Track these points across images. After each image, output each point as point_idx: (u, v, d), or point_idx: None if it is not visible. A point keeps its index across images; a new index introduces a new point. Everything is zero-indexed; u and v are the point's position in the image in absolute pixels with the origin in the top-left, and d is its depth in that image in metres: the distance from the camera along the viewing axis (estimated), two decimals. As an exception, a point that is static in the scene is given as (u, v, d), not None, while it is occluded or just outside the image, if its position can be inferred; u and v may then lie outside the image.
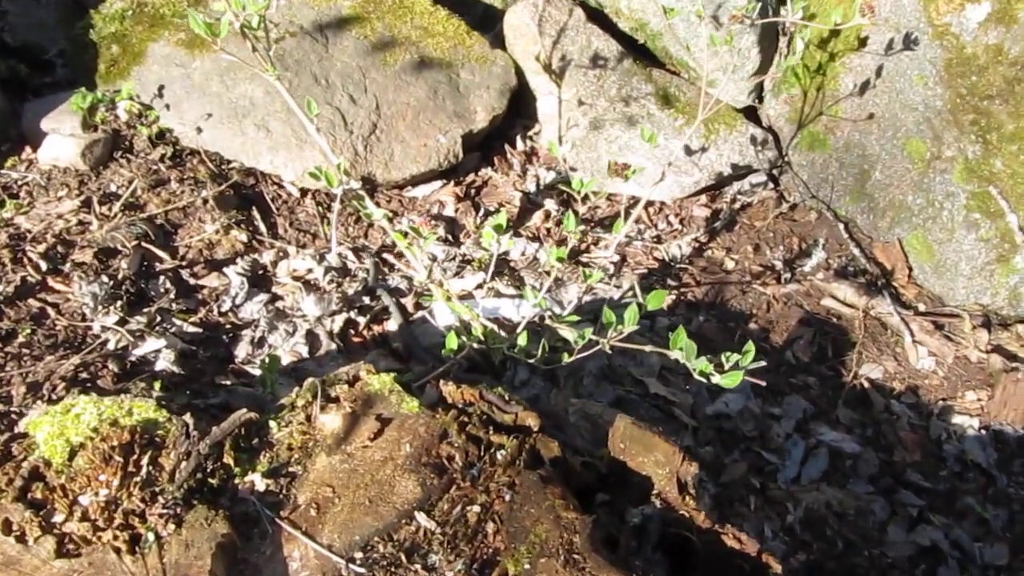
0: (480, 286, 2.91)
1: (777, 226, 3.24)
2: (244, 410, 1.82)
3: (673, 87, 3.28)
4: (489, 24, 3.74)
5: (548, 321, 2.44)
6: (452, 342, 2.35)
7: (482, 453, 1.75)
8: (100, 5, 3.25)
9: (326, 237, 3.02)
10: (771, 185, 3.38)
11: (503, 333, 2.52)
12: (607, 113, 3.25)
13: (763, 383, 1.86)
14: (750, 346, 1.80)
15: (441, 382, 1.94)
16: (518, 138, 3.48)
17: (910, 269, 3.00)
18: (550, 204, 3.23)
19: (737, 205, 3.31)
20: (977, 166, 2.73)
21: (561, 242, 3.12)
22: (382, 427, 1.79)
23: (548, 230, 3.18)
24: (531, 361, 2.23)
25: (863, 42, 2.92)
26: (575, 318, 2.38)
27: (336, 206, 2.41)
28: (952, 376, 2.78)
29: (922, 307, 2.96)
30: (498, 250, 2.66)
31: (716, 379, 1.79)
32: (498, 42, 3.49)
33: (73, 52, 3.27)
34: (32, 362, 2.38)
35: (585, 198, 3.35)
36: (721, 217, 3.27)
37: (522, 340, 2.31)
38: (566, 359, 2.17)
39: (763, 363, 1.78)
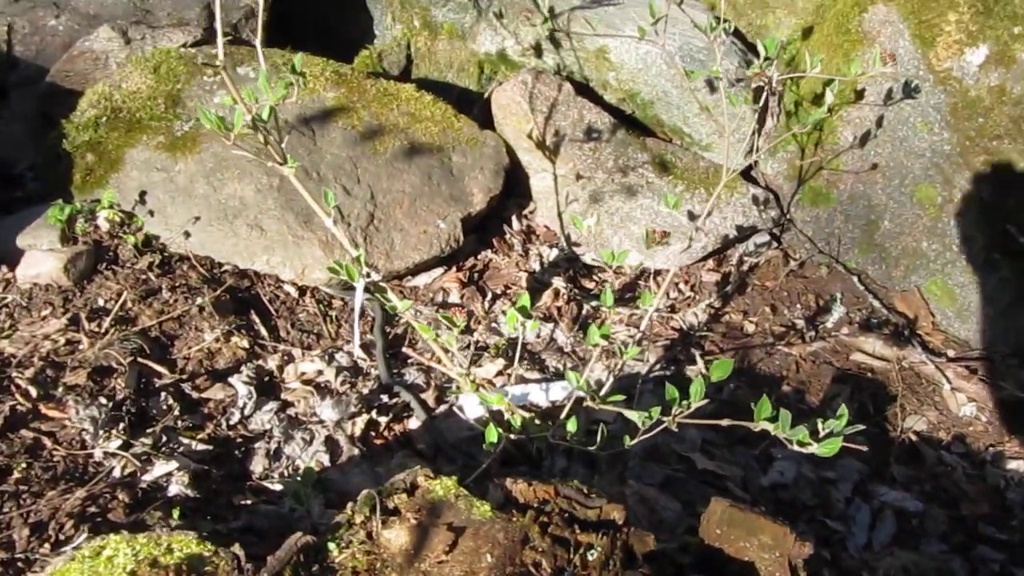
0: (501, 373, 2.76)
1: (790, 284, 3.17)
2: (299, 534, 1.63)
3: (669, 154, 3.24)
4: (466, 106, 3.68)
5: (591, 403, 2.30)
6: (492, 435, 2.20)
7: (571, 555, 1.59)
8: (71, 114, 3.10)
9: (330, 335, 2.86)
10: (775, 244, 3.33)
11: (537, 420, 2.38)
12: (606, 185, 3.18)
13: (864, 448, 1.74)
14: (843, 410, 1.69)
15: (509, 480, 1.78)
16: (513, 217, 3.39)
17: (933, 316, 2.95)
18: (558, 282, 3.12)
19: (745, 267, 3.25)
20: (993, 206, 2.71)
21: (596, 320, 3.01)
22: (456, 537, 1.62)
23: (559, 309, 3.06)
24: (558, 443, 2.08)
25: (860, 94, 2.92)
26: (619, 397, 2.24)
27: (359, 299, 2.26)
28: (995, 420, 2.70)
29: (951, 353, 2.90)
30: (524, 334, 2.53)
31: (813, 448, 1.66)
32: (482, 122, 3.43)
33: (45, 164, 3.10)
34: (32, 500, 2.15)
35: (592, 271, 3.26)
36: (731, 280, 3.20)
37: (571, 426, 2.17)
38: (628, 442, 2.03)
39: (862, 427, 1.67)
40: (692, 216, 3.17)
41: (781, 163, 3.23)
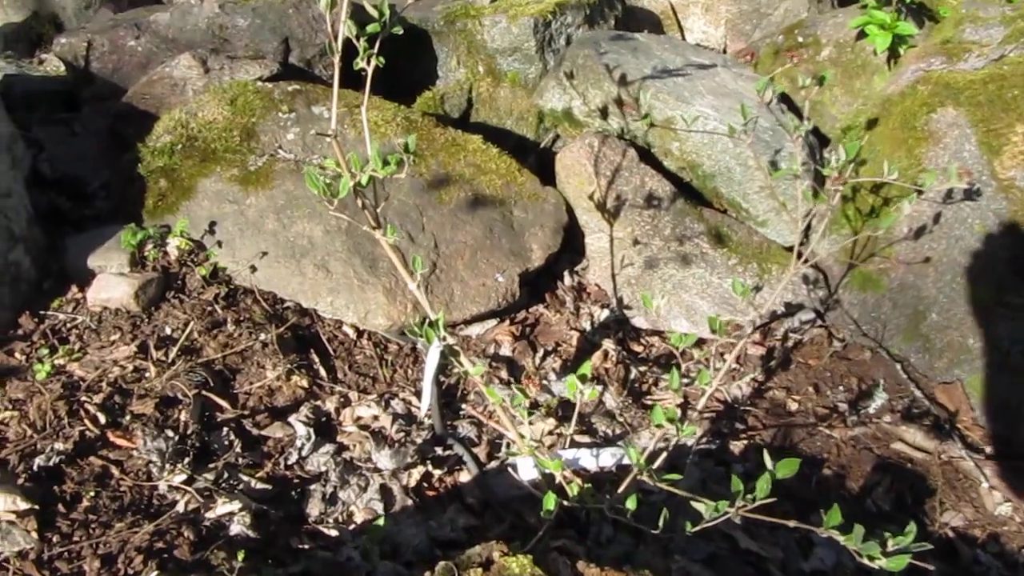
0: (551, 432, 2.82)
1: (833, 365, 3.24)
2: (383, 602, 1.69)
3: (725, 227, 3.31)
4: (522, 154, 3.76)
5: (646, 479, 2.36)
6: (549, 503, 2.25)
7: (645, 647, 1.65)
8: (147, 137, 3.18)
9: (386, 380, 2.92)
10: (820, 322, 3.39)
11: (581, 482, 2.43)
12: (661, 252, 3.25)
13: (931, 568, 1.80)
14: (912, 527, 1.74)
15: (581, 564, 1.83)
16: (566, 273, 3.45)
17: (973, 410, 3.01)
18: (608, 344, 3.18)
19: (790, 343, 3.31)
20: (1044, 315, 2.78)
21: (643, 385, 3.07)
22: (534, 619, 1.68)
23: (607, 371, 3.12)
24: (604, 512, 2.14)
25: (919, 189, 2.99)
26: (675, 476, 2.30)
27: (433, 362, 2.32)
28: (1030, 523, 2.76)
29: (989, 450, 2.96)
30: (581, 400, 2.59)
31: (881, 563, 1.72)
32: (539, 173, 3.50)
33: (117, 185, 3.17)
34: (101, 530, 2.20)
35: (640, 334, 3.33)
36: (775, 356, 3.26)
37: (631, 504, 2.22)
38: (690, 528, 2.09)
39: (929, 546, 1.73)
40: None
41: (833, 245, 3.30)
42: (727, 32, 4.86)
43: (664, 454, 2.85)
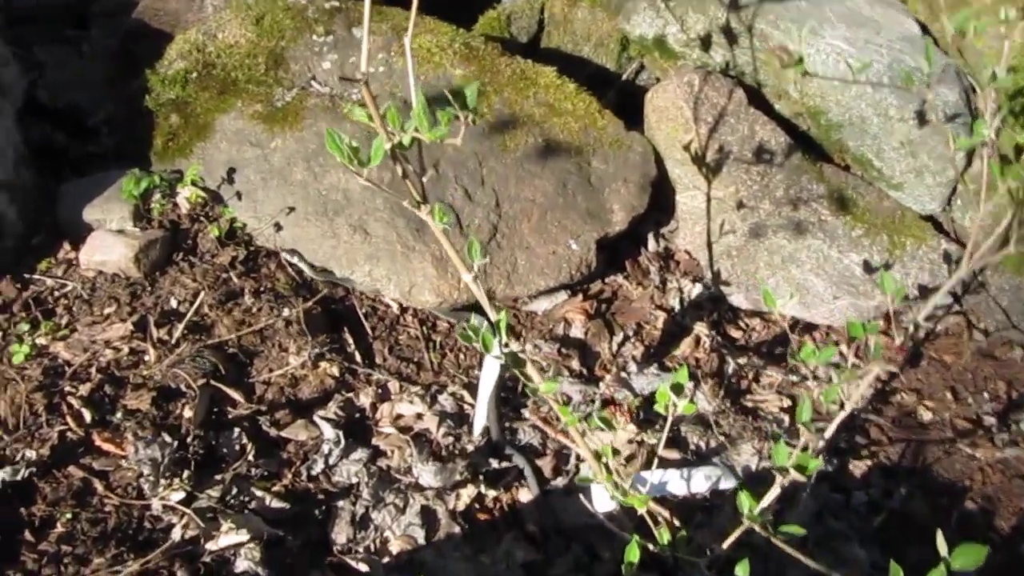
0: (632, 441, 2.32)
1: (975, 364, 2.66)
2: None
3: (850, 189, 2.70)
4: (599, 87, 3.16)
5: (763, 532, 1.85)
6: (633, 554, 1.76)
7: None
8: (157, 63, 2.66)
9: (432, 367, 2.43)
10: (956, 306, 2.80)
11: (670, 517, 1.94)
12: (770, 218, 2.67)
13: None
14: None
15: None
16: (650, 236, 2.89)
17: None
18: (700, 328, 2.64)
19: (921, 334, 2.73)
20: None
21: (742, 380, 2.53)
22: None
23: (699, 361, 2.59)
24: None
25: (1111, 152, 2.35)
26: (799, 531, 1.78)
27: (492, 376, 1.81)
28: None
29: None
30: (675, 414, 2.06)
31: None
32: (619, 111, 2.91)
33: (123, 120, 2.67)
34: (76, 565, 1.77)
35: (739, 315, 2.78)
36: (904, 349, 2.69)
37: (742, 571, 1.72)
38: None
39: None
40: (868, 268, 2.65)
41: (983, 217, 2.68)
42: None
43: (749, 462, 2.35)
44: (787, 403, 2.51)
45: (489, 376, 1.81)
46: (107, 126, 2.71)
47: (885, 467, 2.40)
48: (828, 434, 2.00)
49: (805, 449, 1.77)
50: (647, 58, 3.14)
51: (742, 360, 2.60)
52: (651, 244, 2.89)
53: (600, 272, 2.75)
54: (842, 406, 1.99)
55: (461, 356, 2.48)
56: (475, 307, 2.51)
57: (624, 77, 3.34)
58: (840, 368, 2.08)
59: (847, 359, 2.72)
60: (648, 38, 2.92)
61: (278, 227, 2.46)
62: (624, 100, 3.22)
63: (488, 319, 1.78)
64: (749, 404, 2.50)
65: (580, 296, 2.68)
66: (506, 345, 1.79)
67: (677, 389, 1.93)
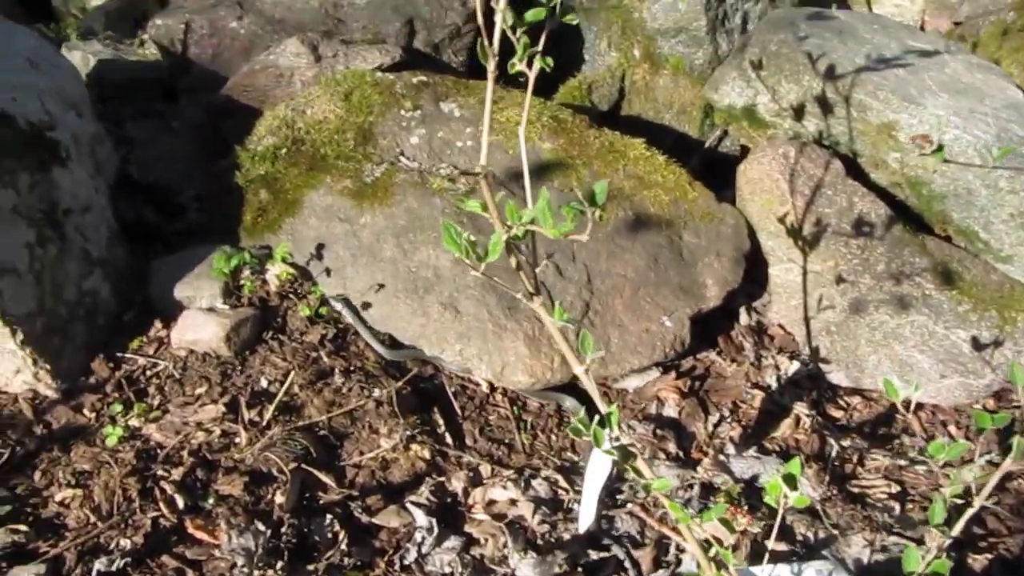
0: (735, 530, 2.20)
1: (1098, 448, 2.49)
2: None
3: (955, 262, 2.59)
4: (681, 155, 3.10)
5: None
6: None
7: None
8: (247, 139, 2.68)
9: (524, 449, 2.35)
10: (1071, 384, 2.64)
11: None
12: (871, 293, 2.56)
13: None
14: None
15: None
16: (742, 310, 2.80)
17: None
18: (800, 408, 2.53)
19: (1036, 413, 2.58)
20: None
21: (847, 465, 2.41)
22: None
23: (798, 442, 2.48)
24: None
25: None
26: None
27: (601, 472, 1.72)
28: None
29: None
30: (785, 507, 1.96)
31: None
32: (704, 179, 2.85)
33: (212, 196, 2.69)
34: (169, 668, 1.72)
35: (838, 393, 2.66)
36: (1015, 428, 2.54)
37: None
38: None
39: None
40: (977, 344, 2.53)
41: (1101, 289, 2.55)
42: (926, 5, 4.05)
43: (861, 554, 2.22)
44: (895, 489, 2.38)
45: (598, 471, 1.73)
46: (196, 202, 2.73)
47: (1005, 560, 2.24)
48: (955, 532, 1.88)
49: (937, 555, 1.65)
50: (733, 126, 3.08)
51: (845, 442, 2.48)
52: (743, 318, 2.79)
53: (691, 348, 2.66)
54: (969, 502, 1.86)
55: (553, 438, 2.41)
56: (564, 387, 2.44)
57: (707, 144, 3.29)
58: (951, 448, 1.96)
59: (956, 440, 2.59)
60: (736, 107, 2.87)
61: (367, 305, 2.43)
62: (708, 167, 3.16)
63: (595, 407, 1.71)
64: (856, 490, 2.37)
65: (672, 373, 2.59)
66: (617, 438, 1.71)
67: (790, 480, 1.83)
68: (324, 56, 2.80)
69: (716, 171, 3.08)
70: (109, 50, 3.42)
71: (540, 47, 1.50)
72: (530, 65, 1.54)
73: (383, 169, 2.57)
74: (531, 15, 1.54)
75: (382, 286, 2.43)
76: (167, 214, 2.71)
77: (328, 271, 2.48)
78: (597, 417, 1.69)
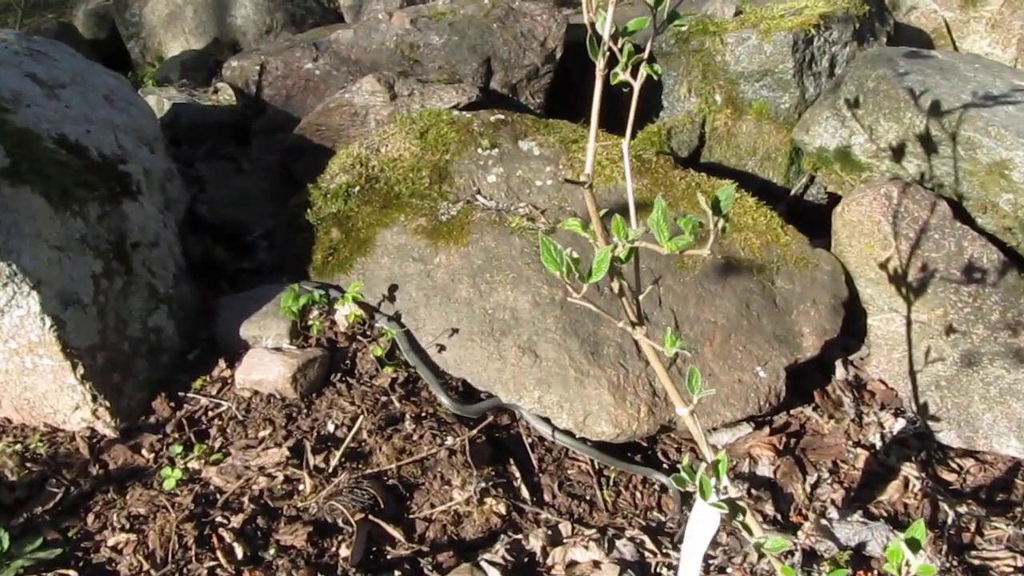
0: (843, 605, 1.97)
1: None
2: None
3: (1077, 312, 2.37)
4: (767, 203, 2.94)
5: None
6: None
7: None
8: (319, 177, 2.60)
9: (607, 507, 2.17)
10: None
11: None
12: (985, 344, 2.35)
13: None
14: None
15: None
16: (838, 363, 2.60)
17: None
18: (908, 469, 2.30)
19: None
20: None
21: (963, 533, 2.17)
22: None
23: (906, 507, 2.25)
24: None
25: None
26: None
27: (709, 528, 1.54)
28: None
29: None
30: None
31: None
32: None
33: (282, 234, 2.60)
34: None
35: (948, 455, 2.43)
36: None
37: None
38: None
39: None
40: (1108, 403, 2.29)
41: None
42: (1018, 54, 3.88)
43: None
44: (1021, 562, 2.13)
45: (703, 527, 1.54)
46: (265, 240, 2.65)
47: None
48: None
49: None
50: (822, 171, 2.92)
51: (961, 508, 2.25)
52: (839, 372, 2.59)
53: (785, 403, 2.46)
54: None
55: (638, 495, 2.22)
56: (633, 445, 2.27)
57: (793, 192, 3.13)
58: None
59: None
60: (829, 149, 2.72)
61: (441, 348, 2.30)
62: (794, 216, 3.00)
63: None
64: (976, 562, 2.12)
65: (766, 429, 2.39)
66: (725, 489, 1.53)
67: (914, 545, 1.62)
68: (400, 94, 2.73)
69: (803, 220, 2.91)
70: (184, 95, 3.41)
71: (646, 54, 1.39)
72: (635, 74, 1.42)
73: (459, 208, 2.46)
74: (634, 23, 1.43)
75: (456, 330, 2.29)
76: (235, 252, 2.64)
77: (400, 313, 2.36)
78: (703, 466, 1.52)
